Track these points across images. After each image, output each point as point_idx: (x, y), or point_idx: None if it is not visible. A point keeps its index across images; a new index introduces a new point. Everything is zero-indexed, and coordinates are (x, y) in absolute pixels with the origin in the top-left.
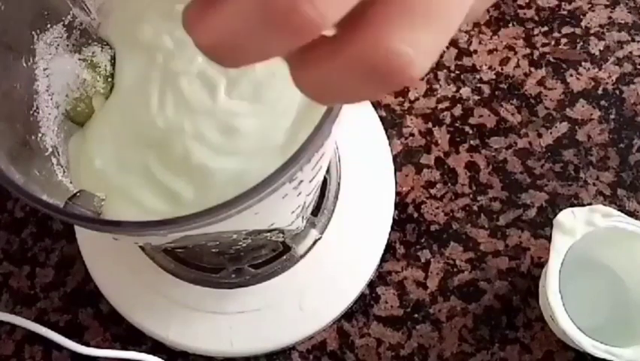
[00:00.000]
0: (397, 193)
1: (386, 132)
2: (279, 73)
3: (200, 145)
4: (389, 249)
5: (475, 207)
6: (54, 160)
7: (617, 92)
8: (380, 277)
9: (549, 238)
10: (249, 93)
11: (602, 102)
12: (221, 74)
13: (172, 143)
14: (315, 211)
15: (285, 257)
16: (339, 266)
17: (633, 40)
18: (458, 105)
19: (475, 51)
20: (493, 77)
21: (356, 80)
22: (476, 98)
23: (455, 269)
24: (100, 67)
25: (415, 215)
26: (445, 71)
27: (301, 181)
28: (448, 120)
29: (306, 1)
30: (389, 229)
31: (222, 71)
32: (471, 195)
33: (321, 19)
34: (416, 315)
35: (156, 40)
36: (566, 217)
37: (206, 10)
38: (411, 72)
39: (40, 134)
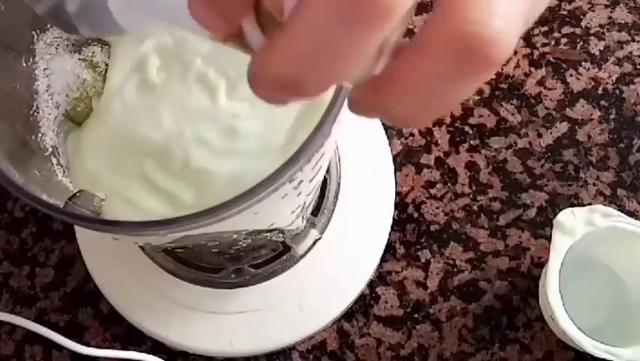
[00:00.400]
0: (397, 193)
1: (386, 132)
2: None
3: (200, 148)
4: (389, 249)
5: (475, 207)
6: (54, 160)
7: (617, 92)
8: (380, 277)
9: (549, 238)
10: (250, 95)
11: (602, 102)
12: (221, 76)
13: (171, 146)
14: (315, 211)
15: (285, 257)
16: (339, 266)
17: (633, 40)
18: (458, 105)
19: None
20: (493, 76)
21: (449, 73)
22: (476, 98)
23: (455, 269)
24: (100, 67)
25: (415, 215)
26: None
27: (301, 181)
28: (448, 120)
29: None
30: (389, 229)
31: (222, 73)
32: (471, 195)
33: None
34: (416, 315)
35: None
36: (566, 217)
37: (273, 43)
38: (503, 44)
39: (40, 134)
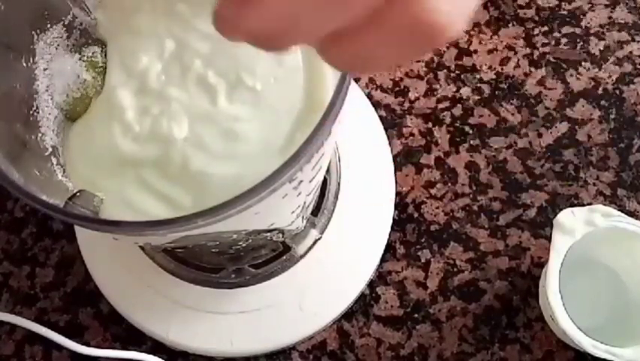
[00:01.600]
0: (397, 193)
1: (386, 132)
2: (280, 76)
3: (199, 151)
4: (389, 249)
5: (475, 207)
6: (54, 160)
7: (617, 92)
8: (380, 277)
9: (549, 238)
10: (250, 97)
11: (602, 102)
12: (220, 78)
13: (169, 150)
14: (315, 211)
15: (285, 257)
16: (339, 266)
17: (633, 40)
18: (458, 105)
19: (475, 51)
20: (493, 77)
21: (395, 46)
22: (476, 98)
23: (455, 269)
24: (100, 67)
25: (415, 215)
26: (445, 71)
27: (301, 181)
28: (448, 120)
29: None
30: (389, 229)
31: (222, 75)
32: (471, 195)
33: None
34: (416, 315)
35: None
36: (566, 217)
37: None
38: (449, 31)
39: (40, 134)
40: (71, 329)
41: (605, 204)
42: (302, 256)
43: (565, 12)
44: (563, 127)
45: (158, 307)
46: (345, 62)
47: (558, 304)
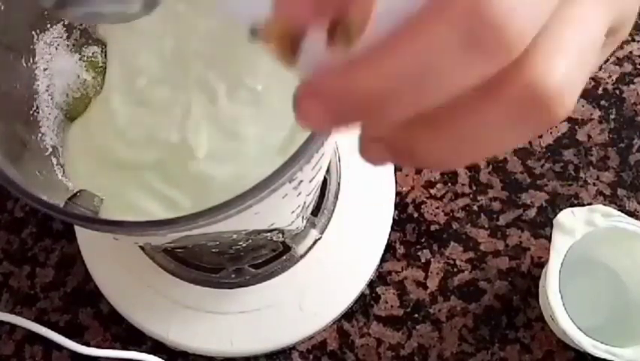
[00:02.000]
0: (397, 193)
1: None
2: (280, 77)
3: (199, 152)
4: (389, 249)
5: (475, 207)
6: (54, 160)
7: (617, 92)
8: (380, 277)
9: (549, 238)
10: (250, 98)
11: (602, 102)
12: (221, 79)
13: (170, 151)
14: (315, 211)
15: (285, 257)
16: (339, 266)
17: (633, 40)
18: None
19: None
20: None
21: (502, 127)
22: None
23: (455, 269)
24: (100, 67)
25: (415, 215)
26: None
27: (301, 181)
28: None
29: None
30: (389, 229)
31: (223, 77)
32: (471, 195)
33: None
34: (416, 315)
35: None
36: (566, 217)
37: (371, 55)
38: (563, 109)
39: (40, 134)
40: (71, 329)
41: (605, 204)
42: (302, 256)
43: None
44: (563, 127)
45: (158, 307)
46: (438, 154)
47: (558, 304)
